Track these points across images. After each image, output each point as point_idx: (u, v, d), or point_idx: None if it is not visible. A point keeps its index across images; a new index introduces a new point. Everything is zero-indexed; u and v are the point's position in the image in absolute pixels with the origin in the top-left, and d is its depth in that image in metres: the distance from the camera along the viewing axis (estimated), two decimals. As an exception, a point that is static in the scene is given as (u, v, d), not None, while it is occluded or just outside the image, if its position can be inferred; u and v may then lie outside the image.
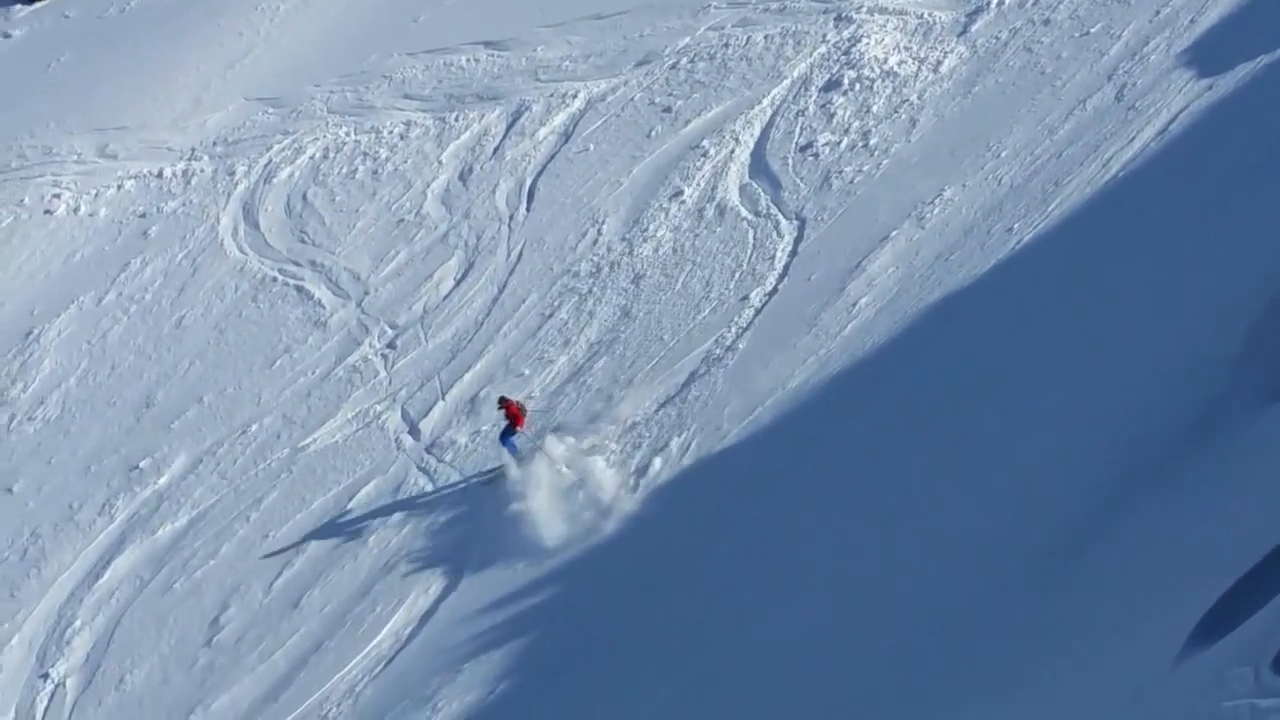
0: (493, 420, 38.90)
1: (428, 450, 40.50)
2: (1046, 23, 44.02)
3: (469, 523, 38.04)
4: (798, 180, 42.90)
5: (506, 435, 37.85)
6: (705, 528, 33.65)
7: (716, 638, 30.40)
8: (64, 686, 39.43)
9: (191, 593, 40.50)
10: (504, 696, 32.29)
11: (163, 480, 43.50)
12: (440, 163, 49.71)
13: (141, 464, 44.11)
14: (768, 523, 32.75)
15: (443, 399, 41.65)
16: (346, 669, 36.02)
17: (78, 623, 40.97)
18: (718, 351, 38.69)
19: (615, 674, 31.07)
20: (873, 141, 43.06)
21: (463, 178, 48.73)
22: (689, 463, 36.00)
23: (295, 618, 38.05)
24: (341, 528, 40.09)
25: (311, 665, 36.85)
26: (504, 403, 37.97)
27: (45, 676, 39.93)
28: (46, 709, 38.98)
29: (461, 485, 38.31)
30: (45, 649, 40.64)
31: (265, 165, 52.35)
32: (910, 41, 45.86)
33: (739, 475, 34.83)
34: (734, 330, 39.13)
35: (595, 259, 43.49)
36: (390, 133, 51.76)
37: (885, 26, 46.91)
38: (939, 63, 44.67)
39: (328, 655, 36.82)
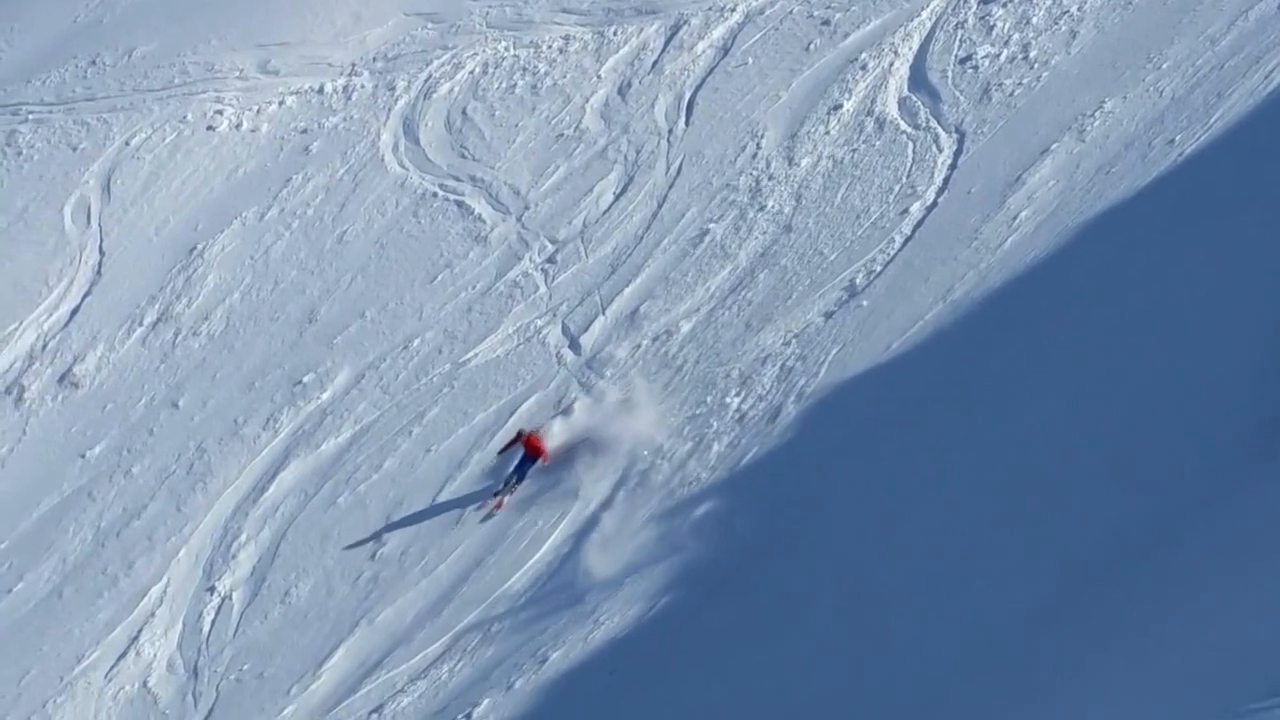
0: (633, 348, 39.18)
1: (588, 365, 41.25)
2: (1208, -69, 43.54)
3: (629, 440, 38.80)
4: (957, 93, 42.91)
5: (524, 465, 38.46)
6: (866, 440, 34.06)
7: (877, 551, 30.79)
8: (230, 600, 40.86)
9: (355, 506, 41.73)
10: (666, 611, 32.91)
11: (326, 395, 44.71)
12: (599, 77, 50.21)
13: (305, 379, 45.32)
14: (930, 434, 33.08)
15: (603, 314, 42.36)
16: (508, 584, 36.95)
17: (243, 537, 42.40)
18: (877, 265, 38.99)
19: (776, 588, 31.57)
20: (1032, 54, 42.91)
21: (621, 92, 49.21)
22: (848, 375, 36.41)
23: (457, 532, 39.12)
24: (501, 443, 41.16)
25: (473, 580, 37.84)
26: (521, 437, 38.67)
27: (211, 590, 41.38)
28: (213, 622, 40.43)
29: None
30: (211, 563, 42.13)
31: (425, 81, 53.13)
32: (1071, -49, 45.54)
33: (899, 388, 35.18)
34: (893, 244, 39.39)
35: (754, 173, 43.86)
36: (549, 47, 52.29)
37: (1047, -65, 46.60)
38: (1099, -27, 44.36)
39: (489, 570, 37.79)
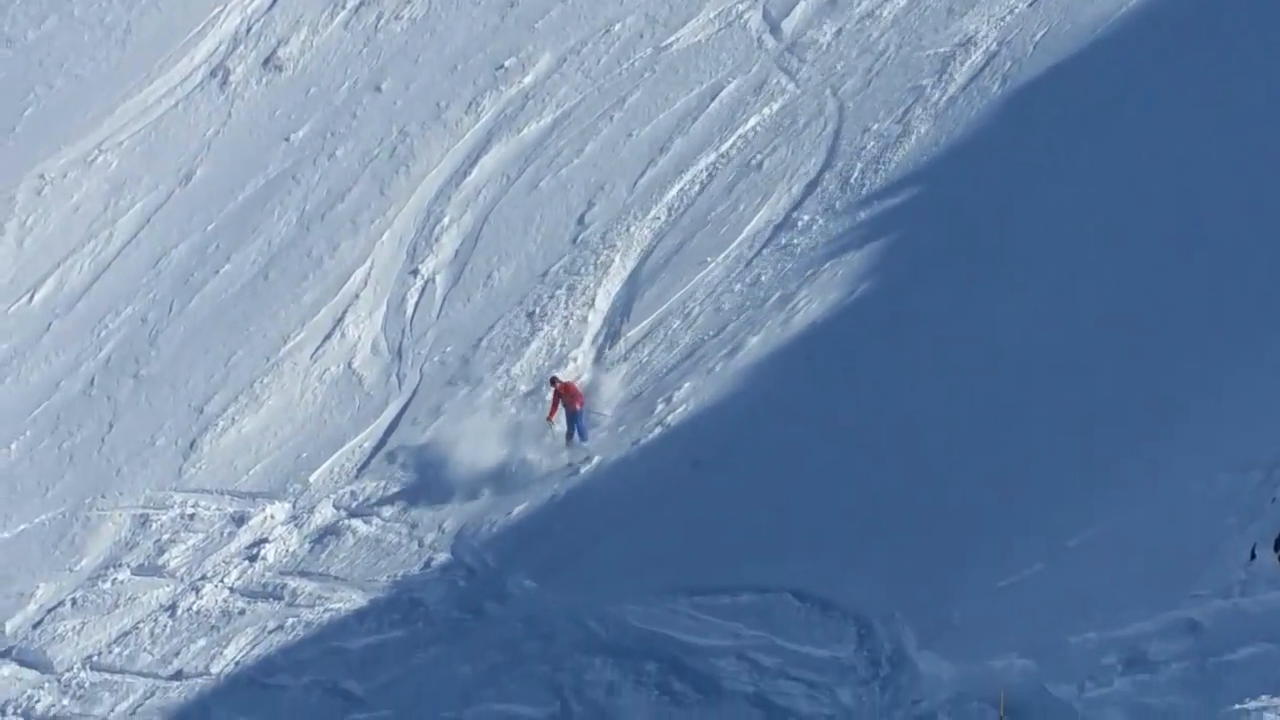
0: (834, 33, 38.93)
1: (789, 50, 41.97)
2: None
3: (831, 123, 39.63)
4: None
5: (573, 423, 34.85)
6: (1065, 130, 34.47)
7: (1082, 236, 31.32)
8: (433, 282, 42.75)
9: (557, 190, 43.23)
10: (863, 297, 33.75)
11: (528, 79, 46.01)
12: None
13: (507, 63, 46.64)
14: (1125, 131, 33.41)
15: (805, -5, 42.84)
16: (707, 269, 38.22)
17: (446, 220, 44.19)
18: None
19: (977, 276, 32.17)
20: None
21: None
22: (1054, 61, 36.70)
23: (656, 213, 40.48)
24: (703, 128, 42.13)
25: (675, 264, 39.16)
26: (554, 383, 35.49)
27: (415, 272, 43.31)
28: (416, 304, 42.37)
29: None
30: (415, 245, 44.04)
31: None
32: None
33: (1106, 73, 35.46)
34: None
35: None
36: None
37: None
38: None
39: (690, 254, 39.05)
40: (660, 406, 34.13)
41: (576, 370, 37.12)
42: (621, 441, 33.83)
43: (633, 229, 40.65)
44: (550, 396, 35.15)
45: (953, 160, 36.25)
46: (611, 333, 38.19)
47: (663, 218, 40.62)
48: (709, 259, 38.45)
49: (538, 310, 39.90)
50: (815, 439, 30.06)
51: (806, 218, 37.67)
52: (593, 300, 39.20)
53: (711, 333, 36.04)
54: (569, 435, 34.77)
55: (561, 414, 34.89)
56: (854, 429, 29.62)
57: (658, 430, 33.42)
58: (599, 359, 37.67)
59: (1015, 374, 28.60)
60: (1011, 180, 34.18)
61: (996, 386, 28.49)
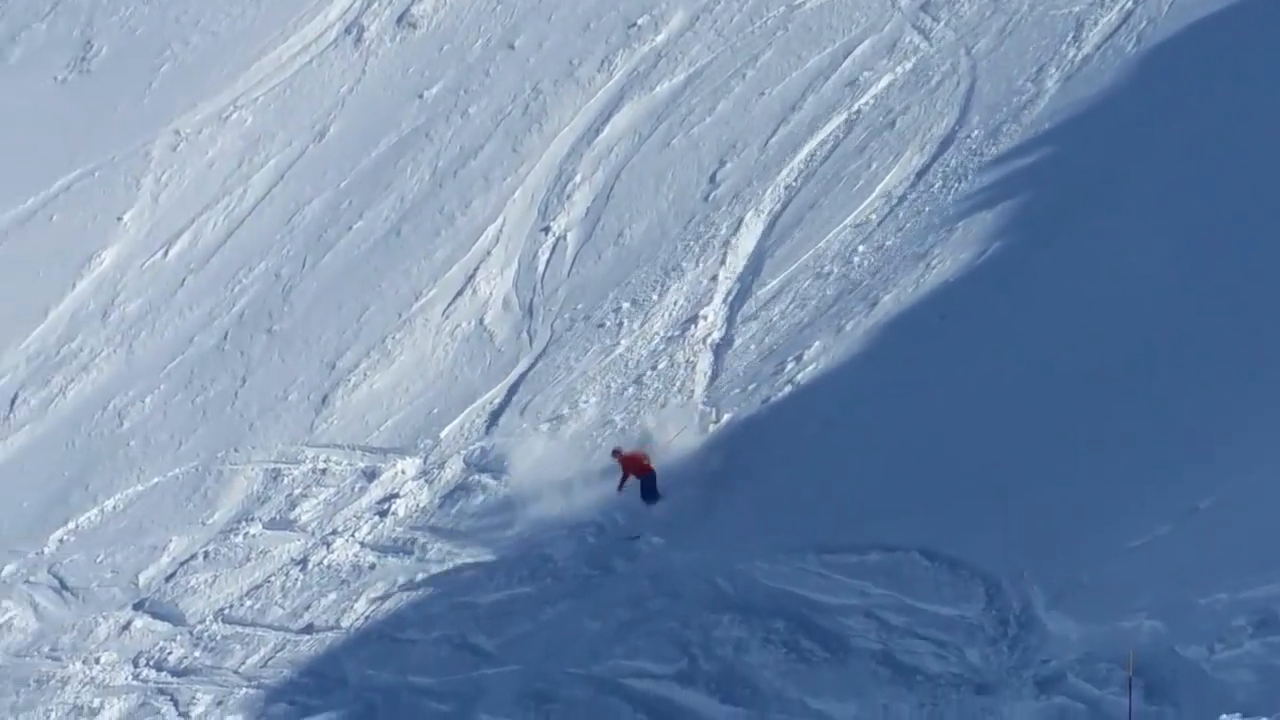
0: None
1: (922, 8, 41.92)
2: None
3: (964, 82, 39.60)
4: None
5: (648, 494, 32.99)
6: (1199, 89, 34.26)
7: (1214, 195, 31.14)
8: (564, 240, 43.19)
9: (689, 148, 43.50)
10: (997, 255, 33.70)
11: (660, 37, 46.25)
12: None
13: (639, 21, 46.90)
14: (1261, 90, 33.19)
15: (939, -47, 42.70)
16: (839, 227, 38.36)
17: (578, 177, 44.59)
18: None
19: (1108, 234, 32.08)
20: None
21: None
22: (1189, 20, 36.46)
23: (786, 176, 40.67)
24: (835, 86, 42.22)
25: (807, 222, 39.35)
26: (617, 455, 33.72)
27: (546, 230, 43.76)
28: (548, 261, 42.84)
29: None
30: (546, 203, 44.48)
31: None
32: None
33: (1236, 41, 35.23)
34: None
35: None
36: None
37: None
38: None
39: (822, 212, 39.24)
40: (791, 364, 34.31)
41: (705, 329, 37.39)
42: (752, 399, 34.05)
43: (764, 187, 40.86)
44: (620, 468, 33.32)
45: (1086, 119, 36.10)
46: (743, 290, 38.40)
47: (795, 176, 40.79)
48: (841, 217, 38.57)
49: (668, 268, 40.20)
50: (946, 397, 30.16)
51: (939, 176, 37.69)
52: (724, 258, 39.44)
53: (843, 291, 36.12)
54: (644, 497, 33.01)
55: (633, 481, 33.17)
56: (985, 387, 29.68)
57: (788, 388, 33.61)
58: (730, 317, 37.89)
59: (1146, 332, 28.56)
60: (1144, 139, 34.00)
61: (1127, 345, 28.45)
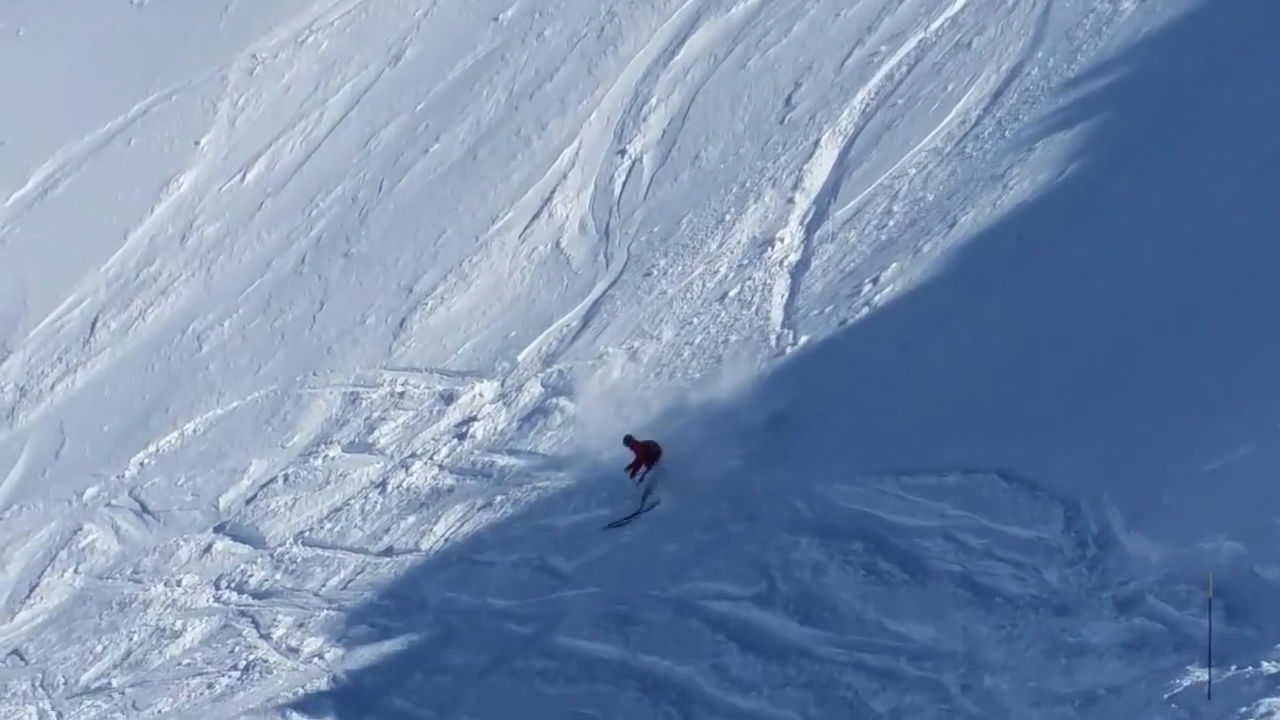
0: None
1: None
2: None
3: (1040, 3, 39.38)
4: None
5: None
6: (1264, 11, 34.03)
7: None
8: (640, 162, 43.30)
9: (765, 70, 43.50)
10: (1074, 176, 33.63)
11: (734, -41, 46.20)
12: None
13: (713, -57, 46.81)
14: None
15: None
16: (915, 149, 38.29)
17: (653, 100, 44.65)
18: None
19: (1187, 155, 31.95)
20: None
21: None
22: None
23: (862, 95, 40.62)
24: (911, 7, 42.05)
25: (883, 144, 39.32)
26: (629, 442, 32.92)
27: (622, 153, 43.87)
28: (624, 184, 42.97)
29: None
30: (622, 125, 44.57)
31: None
32: None
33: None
34: None
35: None
36: None
37: None
38: None
39: (898, 134, 39.20)
40: (867, 287, 34.36)
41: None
42: (829, 322, 34.14)
43: (840, 109, 40.84)
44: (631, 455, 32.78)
45: (1164, 39, 35.93)
46: (819, 213, 38.43)
47: (871, 98, 40.76)
48: (918, 139, 38.52)
49: (745, 191, 40.26)
50: (1023, 319, 30.16)
51: (1015, 97, 37.58)
52: (800, 180, 39.45)
53: (920, 213, 36.11)
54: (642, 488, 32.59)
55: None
56: (1063, 309, 29.65)
57: (865, 311, 33.68)
58: (807, 239, 37.91)
59: (1226, 253, 28.41)
60: (1225, 61, 33.81)
61: (1207, 266, 28.33)
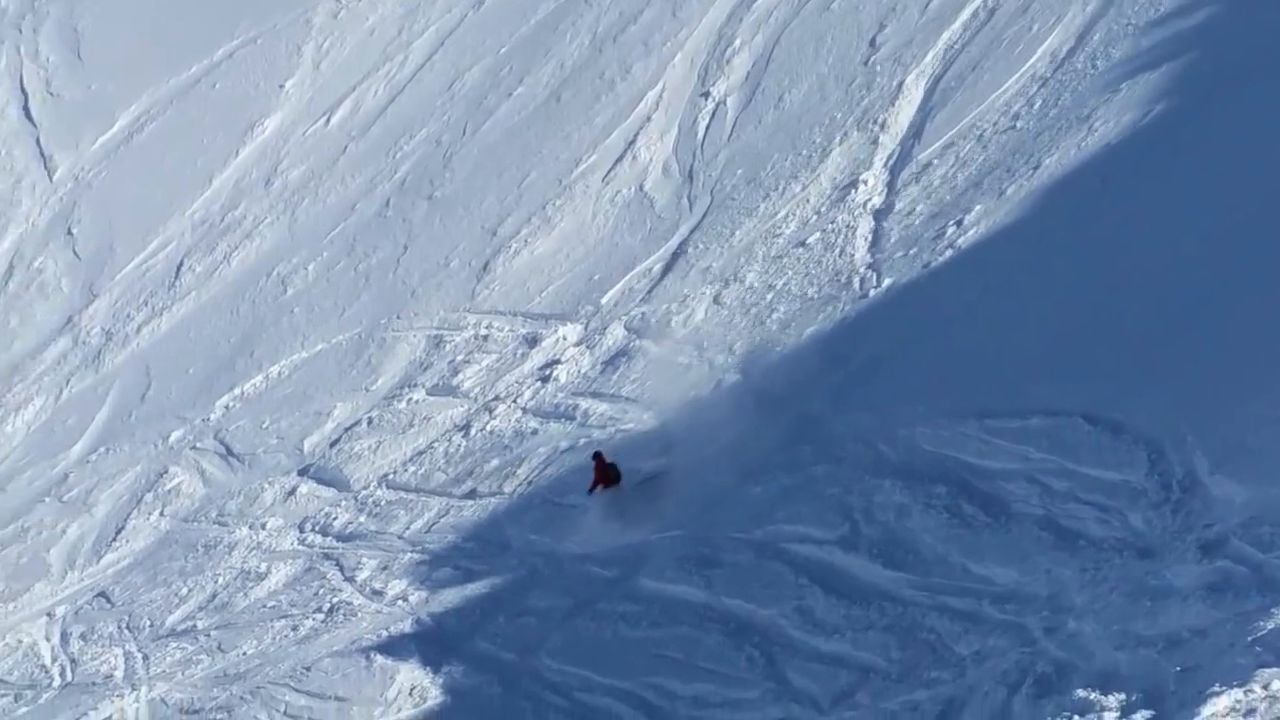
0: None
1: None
2: None
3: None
4: None
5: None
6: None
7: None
8: (724, 105, 43.33)
9: (849, 11, 43.41)
10: (1160, 117, 33.33)
11: (820, -96, 45.98)
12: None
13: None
14: None
15: None
16: (1000, 90, 38.11)
17: (737, 42, 44.62)
18: None
19: (1271, 99, 31.77)
20: None
21: None
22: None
23: (947, 37, 40.48)
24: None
25: (968, 85, 39.17)
26: (598, 458, 32.94)
27: (706, 95, 43.91)
28: (708, 127, 43.03)
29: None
30: (706, 67, 44.59)
31: None
32: None
33: None
34: None
35: None
36: None
37: None
38: None
39: (983, 75, 39.04)
40: (951, 229, 34.29)
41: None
42: (912, 264, 34.12)
43: (925, 50, 40.72)
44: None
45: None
46: (903, 154, 38.37)
47: (955, 38, 40.60)
48: (1002, 80, 38.36)
49: (829, 133, 40.26)
50: (1108, 261, 30.03)
51: (1102, 37, 37.32)
52: (884, 122, 39.41)
53: (1005, 154, 35.98)
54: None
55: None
56: (1148, 250, 29.50)
57: (948, 253, 33.62)
58: (891, 181, 37.88)
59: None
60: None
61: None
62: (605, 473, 32.70)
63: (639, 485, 32.44)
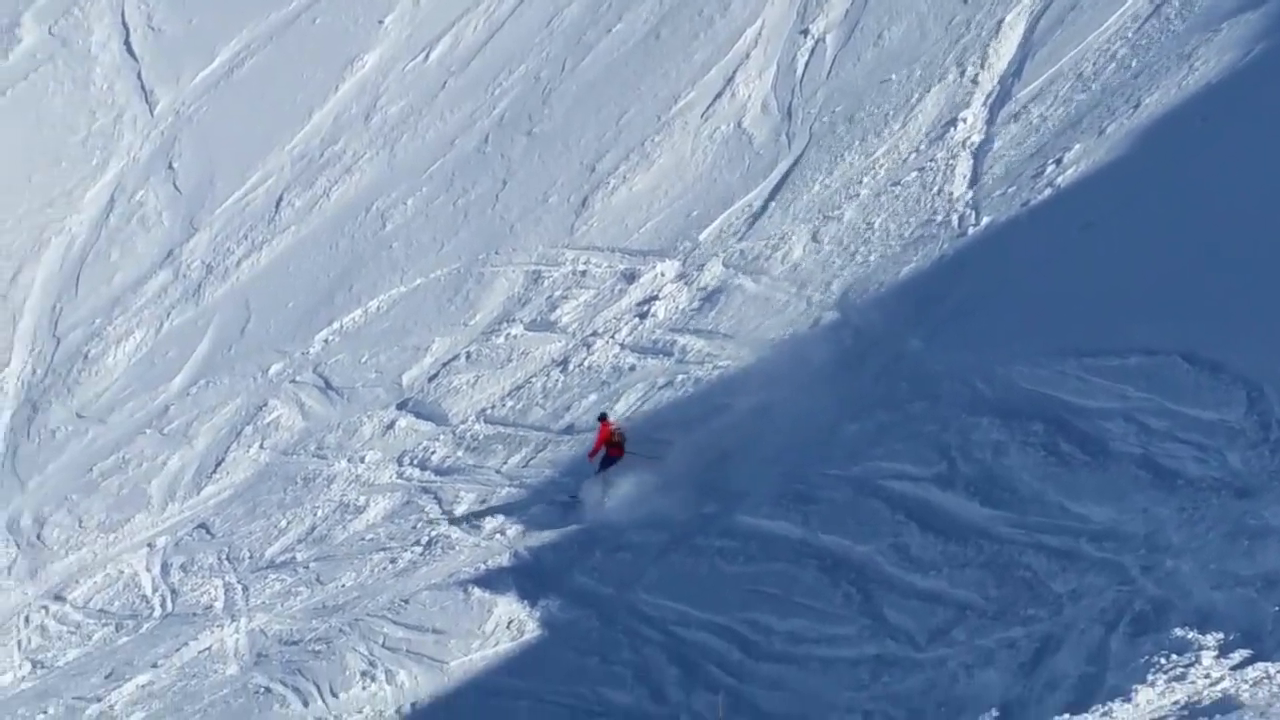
0: None
1: None
2: None
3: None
4: None
5: (606, 464, 33.74)
6: None
7: None
8: (823, 42, 43.32)
9: (951, -49, 43.32)
10: (1261, 57, 32.95)
11: None
12: None
13: None
14: None
15: None
16: (1101, 28, 37.99)
17: (842, -23, 44.64)
18: None
19: None
20: None
21: None
22: None
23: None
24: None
25: (1068, 24, 39.09)
26: (603, 420, 34.02)
27: (805, 32, 43.90)
28: (807, 64, 43.05)
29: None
30: (805, 4, 44.58)
31: None
32: None
33: None
34: None
35: None
36: None
37: None
38: None
39: (1083, 13, 38.95)
40: (1051, 168, 34.26)
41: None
42: (1011, 203, 34.12)
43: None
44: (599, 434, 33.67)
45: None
46: (1003, 92, 38.35)
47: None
48: (1103, 18, 38.21)
49: (928, 70, 40.23)
50: (1208, 200, 29.90)
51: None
52: (984, 60, 39.37)
53: (1105, 93, 35.90)
54: (602, 466, 33.57)
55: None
56: (1248, 190, 29.36)
57: (1048, 192, 33.60)
58: (990, 119, 37.84)
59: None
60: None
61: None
62: (608, 437, 33.13)
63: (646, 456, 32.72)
